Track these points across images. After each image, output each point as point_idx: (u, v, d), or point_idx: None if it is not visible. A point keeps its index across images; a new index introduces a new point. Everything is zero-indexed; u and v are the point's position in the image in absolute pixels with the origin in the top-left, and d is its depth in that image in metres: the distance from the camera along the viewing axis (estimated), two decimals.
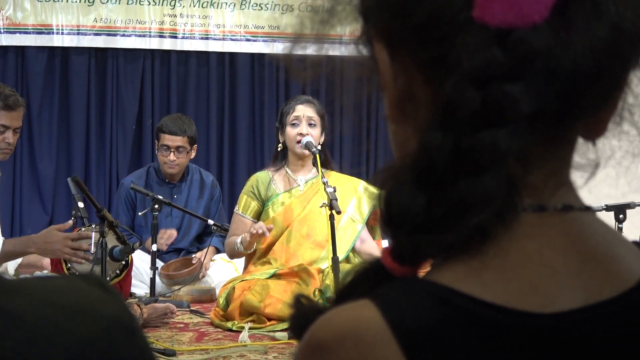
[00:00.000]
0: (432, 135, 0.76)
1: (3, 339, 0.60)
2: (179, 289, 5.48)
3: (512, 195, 0.77)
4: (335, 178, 5.04)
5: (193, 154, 6.27)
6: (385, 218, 0.78)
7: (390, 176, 0.79)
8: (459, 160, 0.75)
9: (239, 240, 4.96)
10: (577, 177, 0.84)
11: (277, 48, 7.71)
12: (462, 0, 0.77)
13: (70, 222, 4.56)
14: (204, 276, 5.80)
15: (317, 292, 4.44)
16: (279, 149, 5.14)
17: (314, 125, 5.01)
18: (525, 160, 0.78)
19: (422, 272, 0.81)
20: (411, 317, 0.75)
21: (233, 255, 5.22)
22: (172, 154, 6.07)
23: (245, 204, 5.16)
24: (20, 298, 0.63)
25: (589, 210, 0.84)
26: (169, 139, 6.07)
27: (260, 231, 4.76)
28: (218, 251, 6.05)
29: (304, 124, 4.98)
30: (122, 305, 0.68)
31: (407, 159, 0.78)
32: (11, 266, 4.73)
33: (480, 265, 0.78)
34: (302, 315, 0.83)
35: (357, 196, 5.11)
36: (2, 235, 4.82)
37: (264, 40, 7.85)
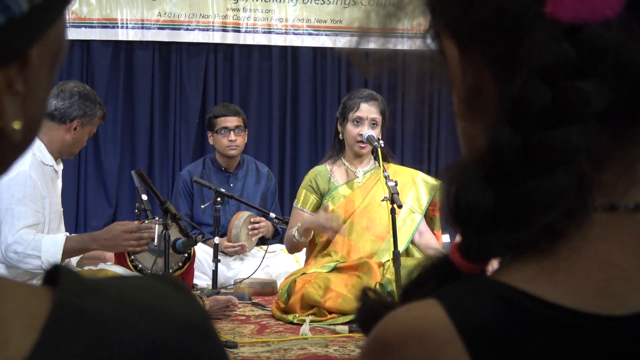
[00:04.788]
0: (501, 132, 0.75)
1: (76, 337, 0.61)
2: (241, 281, 5.52)
3: (583, 194, 0.76)
4: (394, 170, 5.05)
5: (246, 139, 6.40)
6: (454, 214, 0.77)
7: (458, 172, 0.78)
8: (528, 157, 0.74)
9: (295, 230, 4.99)
10: None
11: (340, 42, 7.71)
12: None
13: (135, 222, 4.59)
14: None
15: (377, 286, 4.43)
16: (339, 138, 5.16)
17: (376, 125, 5.03)
18: (596, 158, 0.77)
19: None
20: (477, 317, 0.74)
21: (292, 249, 5.25)
22: (232, 132, 6.22)
23: (305, 198, 5.20)
24: (98, 297, 0.65)
25: None
26: (227, 121, 6.26)
27: (328, 225, 4.84)
28: (276, 232, 6.25)
29: (367, 124, 5.00)
30: (196, 306, 0.69)
31: (476, 155, 0.78)
32: (74, 259, 4.79)
33: (550, 265, 0.76)
34: (370, 309, 0.82)
35: (415, 187, 5.11)
36: (66, 230, 4.88)
37: (326, 34, 7.85)
